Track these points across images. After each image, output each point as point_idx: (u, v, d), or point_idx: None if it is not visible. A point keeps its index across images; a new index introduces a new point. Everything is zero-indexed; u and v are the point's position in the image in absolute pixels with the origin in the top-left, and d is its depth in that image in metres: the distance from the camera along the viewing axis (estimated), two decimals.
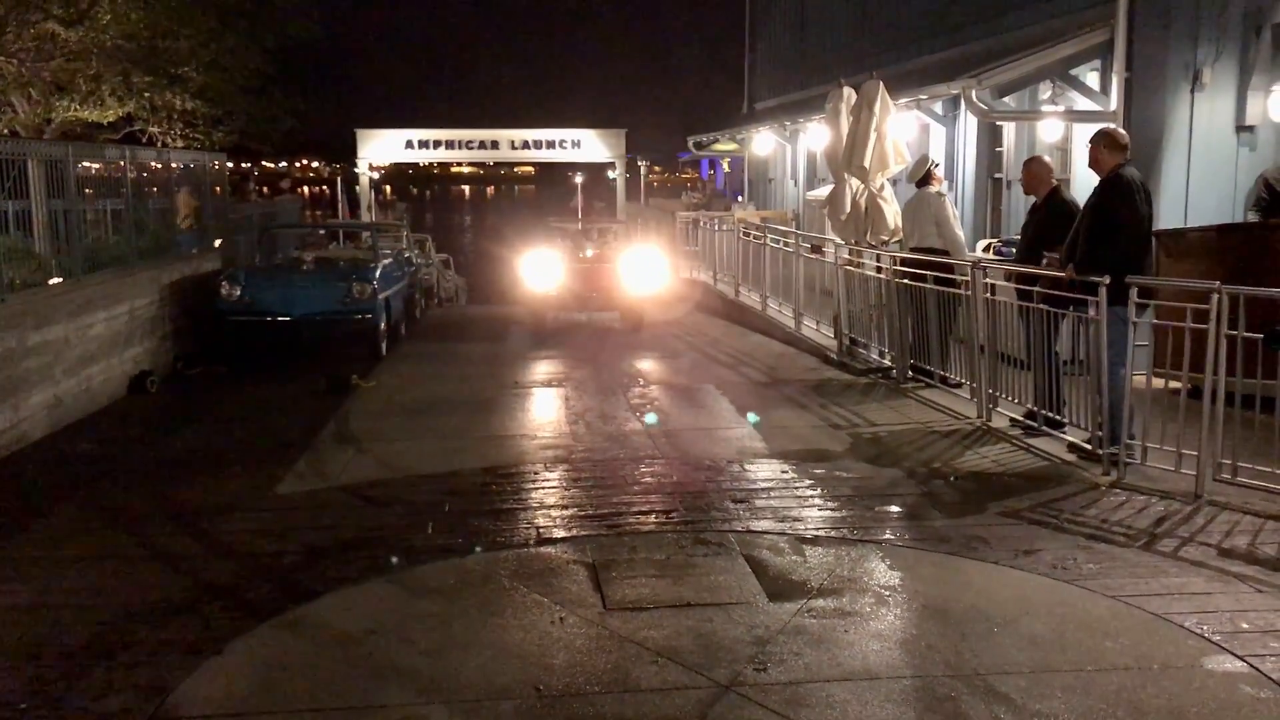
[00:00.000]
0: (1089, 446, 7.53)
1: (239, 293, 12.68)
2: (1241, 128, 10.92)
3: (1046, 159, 9.04)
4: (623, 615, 5.04)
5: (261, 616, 5.09)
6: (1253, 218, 9.36)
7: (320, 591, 5.40)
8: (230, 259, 15.05)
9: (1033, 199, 8.83)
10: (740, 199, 27.24)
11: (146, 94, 16.76)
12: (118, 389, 10.98)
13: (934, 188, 10.45)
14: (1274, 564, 5.59)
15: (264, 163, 69.68)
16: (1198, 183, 10.77)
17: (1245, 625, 4.86)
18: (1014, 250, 10.99)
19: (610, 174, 30.99)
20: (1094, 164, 7.59)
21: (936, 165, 10.81)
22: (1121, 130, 7.95)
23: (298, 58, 21.13)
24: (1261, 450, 6.63)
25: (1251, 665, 4.47)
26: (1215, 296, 6.51)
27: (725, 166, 36.69)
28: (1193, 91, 10.86)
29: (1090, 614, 5.02)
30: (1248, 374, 6.56)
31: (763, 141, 23.34)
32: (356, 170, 30.38)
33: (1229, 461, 6.67)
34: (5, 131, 15.43)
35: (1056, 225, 8.01)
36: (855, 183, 11.24)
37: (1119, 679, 4.37)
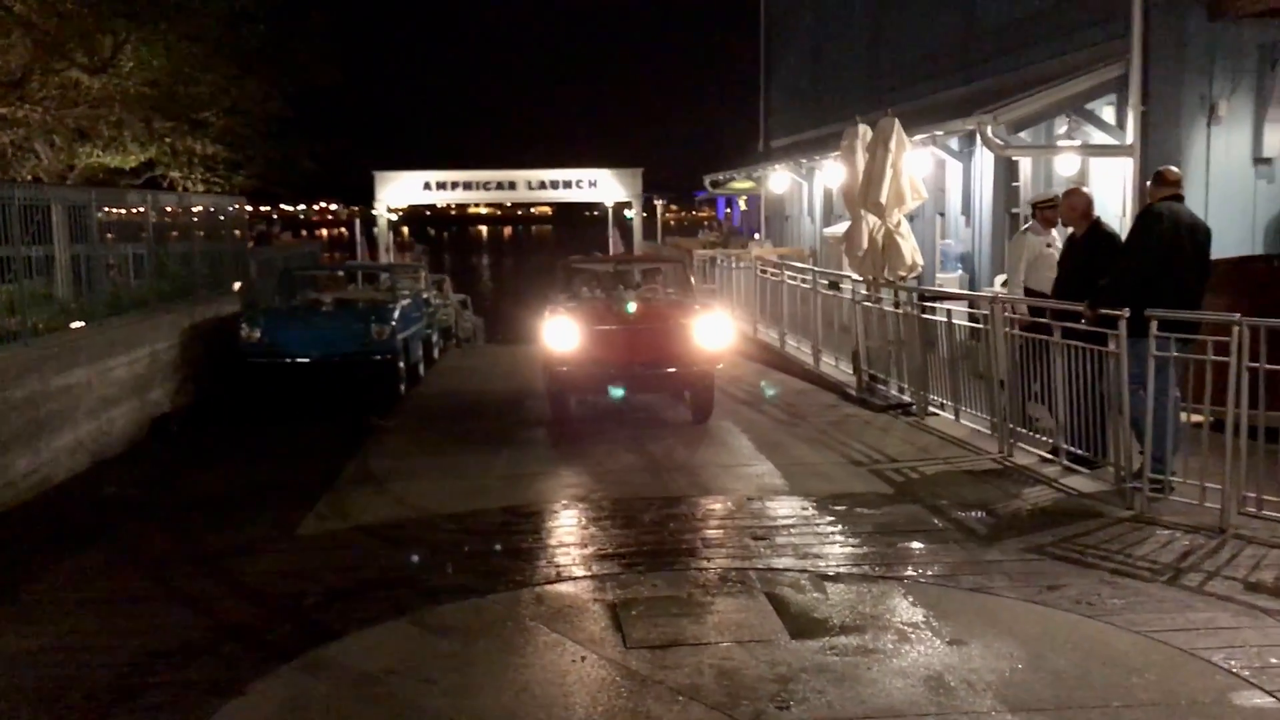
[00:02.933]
0: (1050, 456, 8.08)
1: (259, 335, 12.77)
2: (1259, 160, 10.93)
3: (1086, 190, 8.94)
4: (644, 654, 5.02)
5: (283, 657, 5.08)
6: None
7: (341, 632, 5.39)
8: (251, 301, 15.15)
9: (1069, 231, 8.70)
10: (757, 236, 27.28)
11: (168, 139, 17.01)
12: (139, 431, 11.05)
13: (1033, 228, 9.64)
14: None
15: (283, 205, 70.34)
16: (1216, 216, 10.73)
17: (1274, 660, 4.80)
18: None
19: (627, 213, 31.15)
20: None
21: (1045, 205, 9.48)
22: (1173, 168, 7.93)
23: (316, 101, 21.41)
24: None
25: None
26: (1236, 329, 6.49)
27: (742, 204, 36.81)
28: (1209, 124, 10.88)
29: (1116, 649, 4.97)
30: (1270, 407, 6.52)
31: (779, 179, 23.42)
32: (375, 212, 30.62)
33: (1253, 494, 6.62)
34: (29, 178, 15.66)
35: (1102, 256, 7.95)
36: (872, 219, 11.27)
37: (1146, 715, 4.32)
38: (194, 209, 14.85)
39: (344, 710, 4.56)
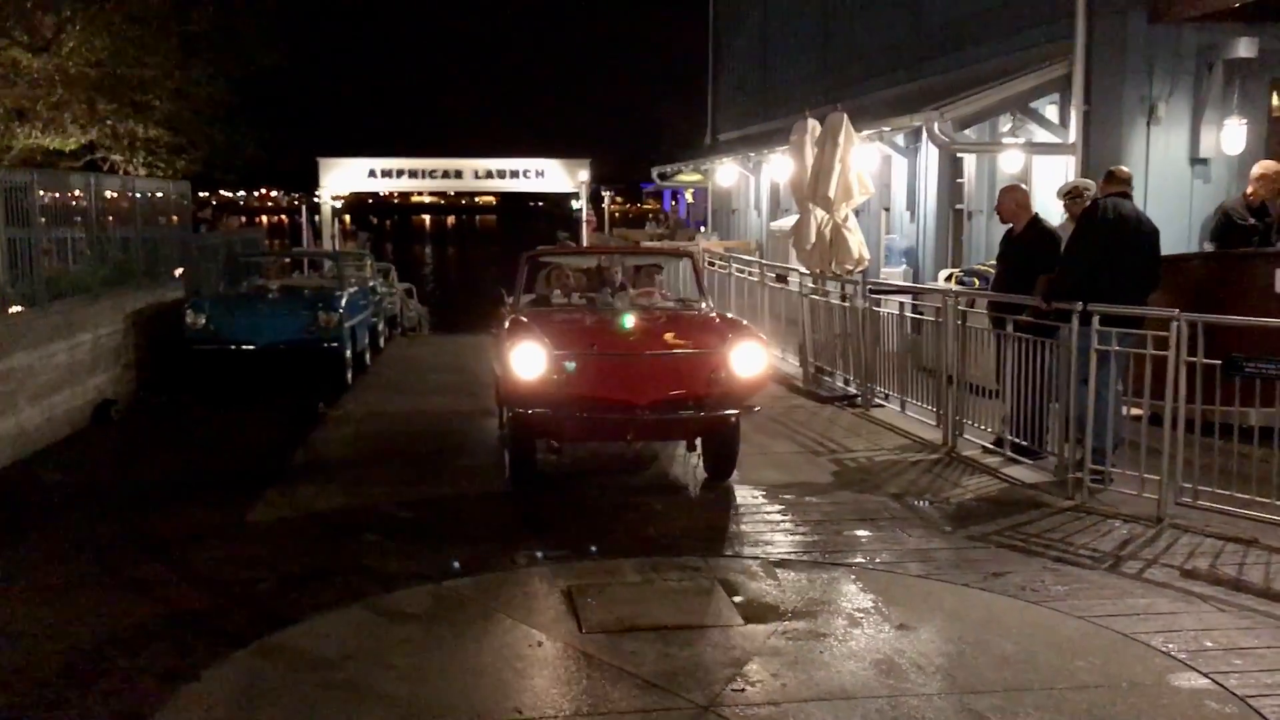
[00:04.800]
0: (993, 447, 8.24)
1: (204, 321, 12.62)
2: (1195, 160, 11.21)
3: (1024, 187, 9.11)
4: (599, 639, 5.07)
5: (238, 644, 5.06)
6: (1209, 248, 9.57)
7: (296, 618, 5.38)
8: (196, 287, 14.96)
9: (1007, 228, 8.86)
10: (704, 229, 27.43)
11: (109, 121, 16.71)
12: (81, 418, 10.88)
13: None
14: (1235, 584, 5.72)
15: (223, 192, 69.33)
16: (1154, 213, 10.88)
17: (1209, 643, 4.97)
18: (976, 280, 11.20)
19: (574, 204, 31.13)
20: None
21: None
22: (1124, 168, 8.12)
23: (260, 87, 21.15)
24: (1221, 474, 6.77)
25: (1216, 682, 4.57)
26: (1175, 324, 6.68)
27: (689, 197, 36.93)
28: (1149, 125, 11.14)
29: (1059, 634, 5.11)
30: (1206, 400, 6.72)
31: (726, 172, 23.56)
32: (317, 200, 30.31)
33: (1190, 485, 6.81)
34: None
35: (1041, 251, 8.12)
36: (820, 213, 11.39)
37: (1089, 697, 4.45)
38: (137, 193, 14.62)
39: (299, 695, 4.56)
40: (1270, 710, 4.31)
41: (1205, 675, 4.63)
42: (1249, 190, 9.34)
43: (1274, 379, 6.50)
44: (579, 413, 7.17)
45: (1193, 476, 6.80)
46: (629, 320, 7.84)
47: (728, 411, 7.40)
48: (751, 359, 7.40)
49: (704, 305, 8.81)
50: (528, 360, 7.18)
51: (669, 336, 7.82)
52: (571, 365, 7.20)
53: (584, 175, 28.50)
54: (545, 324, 7.76)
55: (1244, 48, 10.65)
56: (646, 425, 7.30)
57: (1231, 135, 10.96)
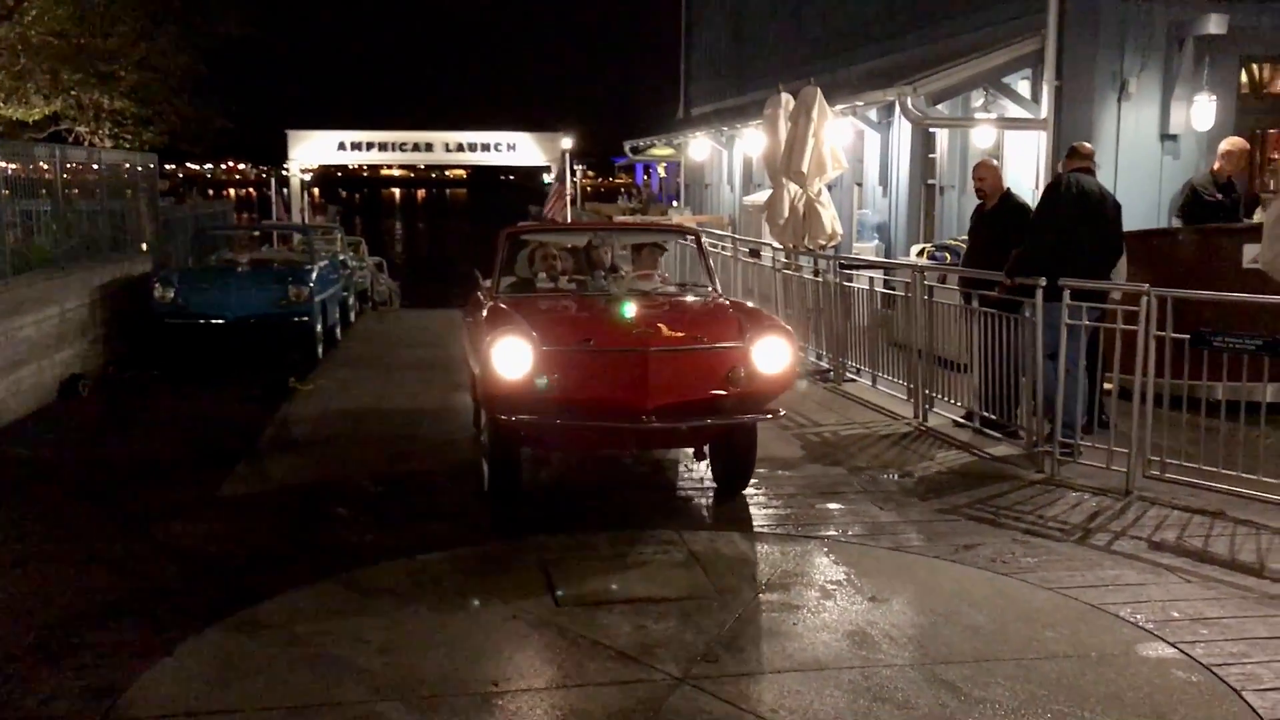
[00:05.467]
0: (964, 421, 8.30)
1: (173, 295, 12.50)
2: (1165, 136, 11.28)
3: (994, 162, 9.15)
4: (575, 612, 5.09)
5: (211, 618, 5.04)
6: (1176, 223, 9.65)
7: (270, 593, 5.36)
8: (163, 261, 14.83)
9: (978, 204, 8.92)
10: (676, 203, 27.39)
11: (74, 92, 16.48)
12: (48, 393, 10.77)
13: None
14: (1201, 555, 5.80)
15: (189, 164, 68.56)
16: (1124, 189, 11.08)
17: (1176, 614, 5.04)
18: (948, 255, 11.26)
19: (546, 178, 31.00)
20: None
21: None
22: (1086, 143, 8.15)
23: (229, 58, 20.91)
24: (1188, 448, 6.85)
25: (1183, 651, 4.64)
26: (1144, 299, 6.74)
27: (661, 171, 36.86)
28: (1120, 100, 11.19)
29: (1030, 605, 5.17)
30: (1174, 375, 6.79)
31: (699, 147, 23.51)
32: (286, 172, 30.03)
33: (1158, 459, 6.89)
34: None
35: (1015, 227, 8.14)
36: (793, 188, 11.40)
37: (1059, 667, 4.51)
38: (103, 165, 14.44)
39: (275, 669, 4.55)
40: (1235, 679, 4.38)
41: (1172, 645, 4.70)
42: (1216, 166, 9.42)
43: (1241, 353, 6.57)
44: (573, 420, 6.19)
45: (1160, 450, 6.88)
46: (630, 309, 6.63)
47: (749, 417, 6.52)
48: (776, 354, 6.41)
49: (713, 290, 7.71)
50: (511, 357, 6.14)
51: (679, 328, 6.56)
52: (564, 363, 6.17)
53: (567, 143, 28.22)
54: (531, 313, 6.71)
55: (1214, 24, 10.71)
56: (654, 434, 6.39)
57: (1201, 111, 11.02)
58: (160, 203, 16.86)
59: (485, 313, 7.04)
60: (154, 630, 4.95)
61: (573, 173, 29.07)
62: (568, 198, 22.12)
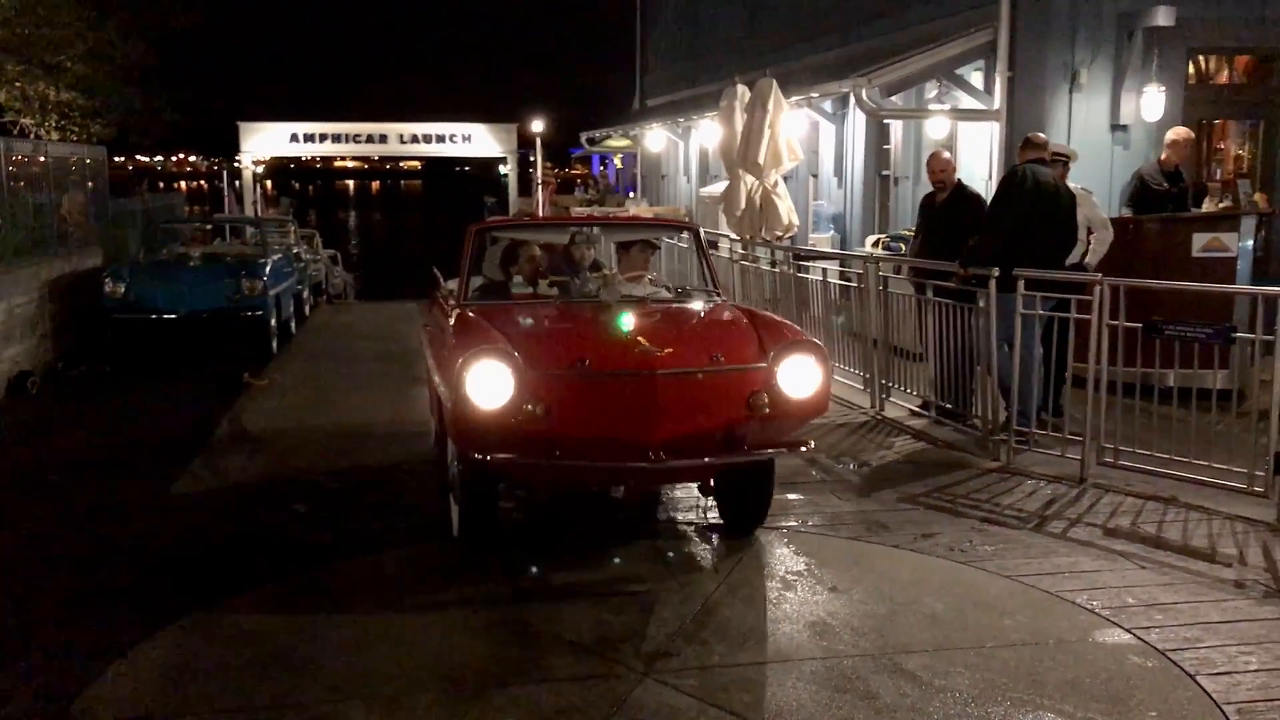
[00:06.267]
0: (920, 410, 8.37)
1: (124, 290, 12.30)
2: (1116, 126, 11.41)
3: (946, 154, 9.21)
4: (534, 606, 5.07)
5: (167, 619, 4.97)
6: (1126, 213, 9.76)
7: (226, 592, 5.30)
8: (113, 255, 14.59)
9: (927, 195, 8.99)
10: (633, 195, 27.36)
11: (18, 84, 16.17)
12: None
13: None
14: (1155, 541, 5.88)
15: (139, 157, 67.59)
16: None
17: (1131, 600, 5.10)
18: (903, 245, 11.32)
19: (502, 169, 30.84)
20: None
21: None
22: (1040, 134, 8.24)
23: (179, 49, 20.61)
24: (1141, 434, 6.93)
25: (1138, 637, 4.70)
26: (1098, 288, 6.81)
27: (617, 162, 36.80)
28: (1071, 91, 11.30)
29: (988, 593, 5.22)
30: (1127, 363, 6.88)
31: (655, 138, 23.48)
32: (238, 165, 29.68)
33: (1111, 446, 6.98)
34: None
35: (968, 217, 8.19)
36: (750, 179, 11.41)
37: (1017, 654, 4.55)
38: (50, 158, 14.18)
39: (231, 670, 4.49)
40: (1189, 663, 4.45)
41: (1128, 631, 4.76)
42: (1163, 156, 9.55)
43: (1192, 341, 6.66)
44: (565, 460, 5.21)
45: (1114, 437, 6.96)
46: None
47: (774, 451, 5.62)
48: (805, 375, 5.44)
49: (717, 296, 6.78)
50: (488, 384, 5.12)
51: (689, 344, 5.57)
52: (554, 390, 5.19)
53: (538, 127, 27.96)
54: (510, 327, 5.74)
55: (1162, 16, 10.84)
56: (662, 474, 5.61)
57: (1150, 102, 11.16)
58: (110, 196, 16.60)
59: (453, 324, 6.05)
60: (108, 632, 4.87)
61: (530, 163, 28.92)
62: (553, 186, 20.92)
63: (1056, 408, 7.86)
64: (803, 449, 5.72)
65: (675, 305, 6.61)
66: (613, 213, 20.05)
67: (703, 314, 6.38)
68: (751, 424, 5.38)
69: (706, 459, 5.32)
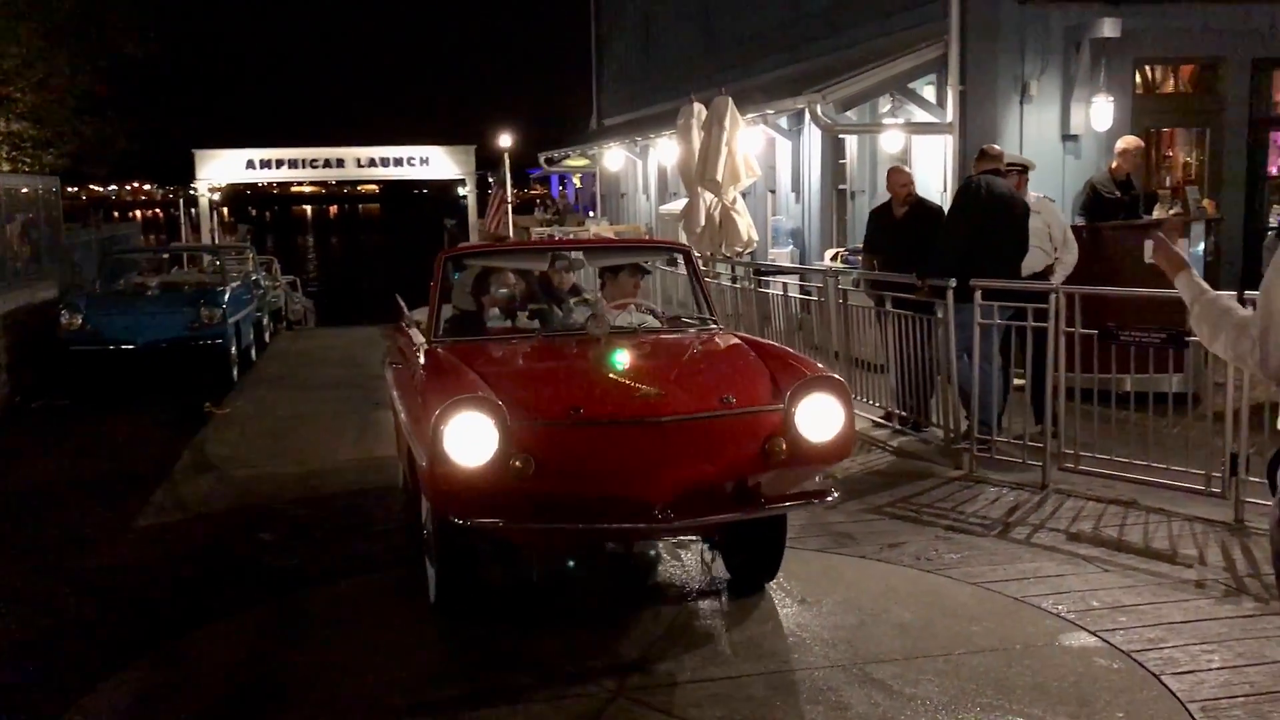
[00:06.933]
0: (883, 421, 8.36)
1: (80, 321, 12.21)
2: (1067, 136, 11.56)
3: (906, 168, 9.31)
4: (508, 628, 5.06)
5: (135, 652, 4.92)
6: (1079, 221, 9.90)
7: (194, 624, 5.26)
8: (69, 286, 14.45)
9: (879, 207, 9.11)
10: (592, 214, 27.42)
11: None
12: None
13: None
14: (1117, 545, 5.96)
15: (93, 187, 66.90)
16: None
17: (1095, 603, 5.17)
18: (859, 259, 11.42)
19: (461, 191, 30.80)
20: None
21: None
22: (995, 145, 8.36)
23: (132, 77, 20.44)
24: (1100, 440, 7.03)
25: (1103, 639, 4.77)
26: (1054, 296, 6.92)
27: (576, 182, 36.88)
28: (1022, 103, 11.45)
29: (955, 601, 5.27)
30: (1085, 369, 6.98)
31: (614, 157, 23.55)
32: (194, 192, 29.44)
33: (1071, 451, 7.07)
34: None
35: (931, 229, 8.29)
36: (708, 196, 11.49)
37: (985, 660, 4.60)
38: (1, 189, 14.02)
39: (200, 702, 4.46)
40: (1153, 663, 4.51)
41: (1093, 634, 4.83)
42: (1114, 164, 9.71)
43: (1146, 346, 6.77)
44: (557, 523, 4.65)
45: (1074, 443, 7.06)
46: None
47: (792, 505, 5.11)
48: (827, 416, 4.84)
49: (714, 323, 6.22)
50: (470, 439, 4.49)
51: (695, 385, 4.96)
52: (545, 443, 4.58)
53: (505, 141, 27.81)
54: (489, 369, 5.11)
55: (1108, 28, 11.01)
56: (667, 532, 5.10)
57: (1099, 112, 11.33)
58: (65, 226, 16.44)
59: (423, 364, 5.45)
60: (74, 666, 4.83)
61: (488, 185, 28.90)
62: (509, 205, 20.19)
63: (1038, 415, 7.90)
64: (828, 499, 5.09)
65: (671, 337, 5.98)
66: (573, 233, 20.08)
67: (704, 347, 5.73)
68: (767, 473, 4.80)
69: (718, 516, 4.78)
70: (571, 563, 5.64)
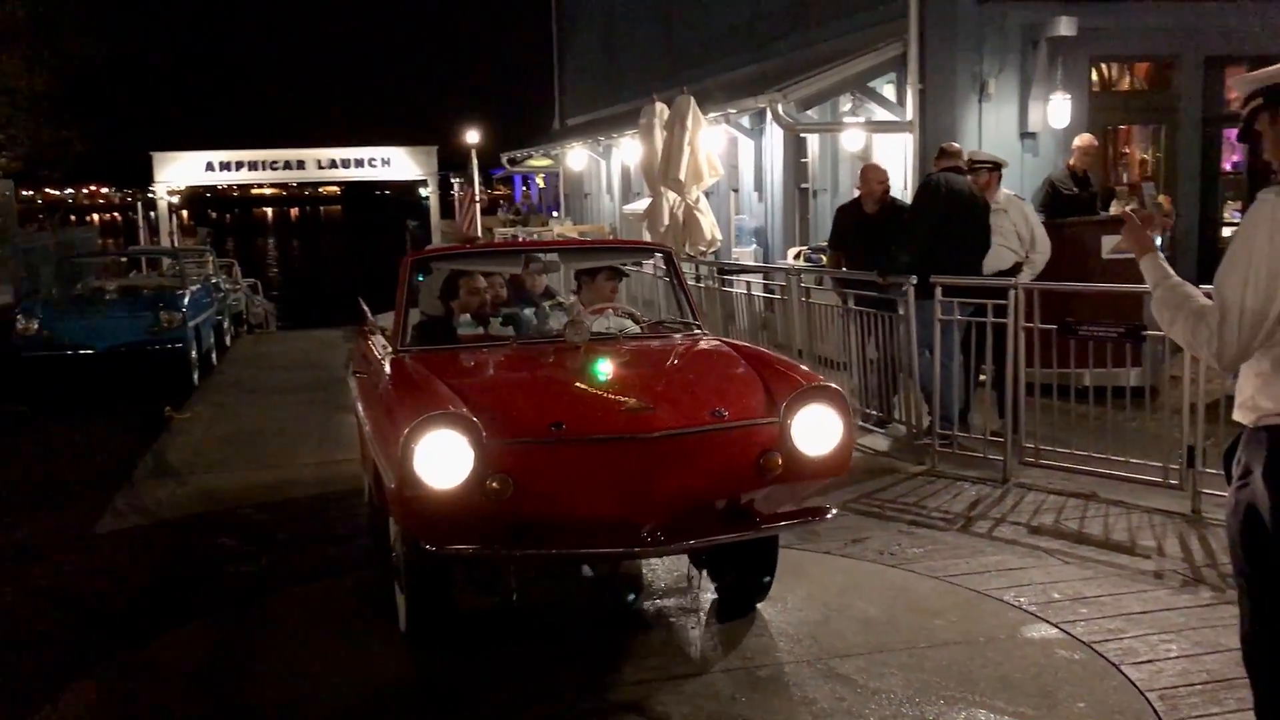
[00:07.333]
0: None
1: (36, 326, 12.04)
2: (1025, 134, 11.67)
3: (882, 166, 9.36)
4: (475, 632, 5.04)
5: (94, 662, 4.87)
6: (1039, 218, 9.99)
7: (156, 632, 5.20)
8: (25, 291, 14.27)
9: (847, 204, 9.15)
10: (556, 214, 27.39)
11: None
12: None
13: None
14: (1077, 537, 6.03)
15: (48, 190, 66.12)
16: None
17: (1056, 595, 5.23)
18: (823, 257, 11.47)
19: (423, 192, 30.66)
20: None
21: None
22: (955, 143, 8.43)
23: (88, 79, 20.19)
24: (1060, 433, 7.10)
25: (1065, 631, 4.82)
26: (1013, 292, 6.98)
27: (540, 182, 36.82)
28: (980, 101, 11.54)
29: (918, 595, 5.31)
30: (1044, 364, 7.05)
31: (577, 157, 23.55)
32: (153, 195, 29.16)
33: (1031, 445, 7.14)
34: None
35: (897, 226, 8.33)
36: (672, 196, 11.50)
37: (949, 654, 4.64)
38: None
39: (169, 712, 4.42)
40: (1113, 654, 4.57)
41: (1055, 625, 4.88)
42: (1071, 161, 9.82)
43: (1105, 341, 6.85)
44: (538, 549, 4.39)
45: (1035, 437, 7.13)
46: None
47: (787, 524, 4.77)
48: (824, 428, 4.58)
49: (698, 328, 5.88)
50: (442, 460, 4.16)
51: (684, 396, 4.63)
52: (524, 462, 4.24)
53: (473, 138, 27.65)
54: (462, 381, 4.79)
55: (1064, 26, 11.12)
56: (657, 555, 4.95)
57: (1057, 110, 11.44)
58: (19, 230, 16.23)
59: (390, 375, 5.10)
60: (33, 677, 4.76)
61: (450, 185, 28.80)
62: (478, 205, 19.65)
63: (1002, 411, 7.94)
64: (827, 516, 4.73)
65: (656, 344, 5.60)
66: (537, 234, 20.04)
67: (691, 355, 5.38)
68: (762, 490, 4.53)
69: (711, 538, 4.48)
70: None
